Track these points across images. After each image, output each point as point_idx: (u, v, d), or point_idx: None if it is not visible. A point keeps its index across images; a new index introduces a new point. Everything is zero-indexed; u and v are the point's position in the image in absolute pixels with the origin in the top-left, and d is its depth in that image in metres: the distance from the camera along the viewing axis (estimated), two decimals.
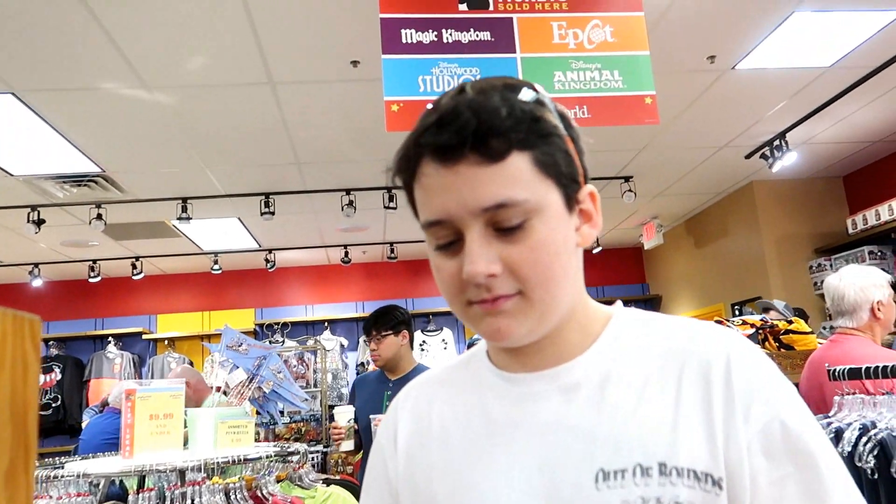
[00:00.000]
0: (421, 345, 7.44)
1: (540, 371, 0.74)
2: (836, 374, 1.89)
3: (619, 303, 0.81)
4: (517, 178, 0.66)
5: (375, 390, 3.01)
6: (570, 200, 0.71)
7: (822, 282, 5.57)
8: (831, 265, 5.50)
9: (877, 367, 1.76)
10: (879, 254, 5.24)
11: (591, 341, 0.75)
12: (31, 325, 0.42)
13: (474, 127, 0.64)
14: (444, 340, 7.50)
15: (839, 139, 4.92)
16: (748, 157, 5.00)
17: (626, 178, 5.34)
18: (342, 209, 5.00)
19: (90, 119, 3.69)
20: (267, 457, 2.59)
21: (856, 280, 2.29)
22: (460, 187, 0.65)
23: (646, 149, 4.78)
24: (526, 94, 0.69)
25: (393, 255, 7.03)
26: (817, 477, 0.65)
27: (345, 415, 2.90)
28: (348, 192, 5.00)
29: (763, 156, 4.74)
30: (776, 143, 4.57)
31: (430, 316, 7.58)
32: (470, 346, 6.29)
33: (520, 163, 0.66)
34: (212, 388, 2.71)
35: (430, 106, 0.70)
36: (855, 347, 2.23)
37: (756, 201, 5.82)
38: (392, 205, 4.98)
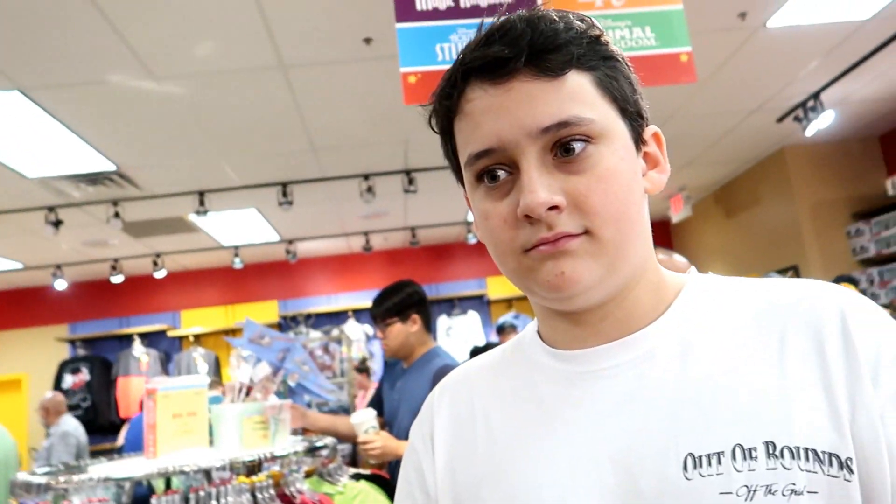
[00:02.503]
0: (447, 330, 7.34)
1: (605, 344, 0.60)
2: None
3: (692, 268, 0.69)
4: (579, 95, 0.55)
5: (396, 380, 2.66)
6: (637, 137, 0.60)
7: (861, 248, 5.35)
8: (870, 229, 5.27)
9: None
10: None
11: (665, 305, 0.61)
12: None
13: (529, 38, 0.54)
14: (469, 325, 7.39)
15: (876, 97, 4.69)
16: (780, 120, 4.78)
17: None
18: (361, 195, 4.89)
19: (100, 114, 3.60)
20: (295, 453, 2.50)
21: None
22: (514, 106, 0.55)
23: (672, 117, 4.59)
24: (581, 18, 0.58)
25: (415, 240, 6.92)
26: None
27: (362, 425, 2.39)
28: (367, 177, 4.89)
29: (796, 118, 4.52)
30: (810, 104, 4.35)
31: (456, 300, 7.48)
32: (499, 329, 6.14)
33: (581, 80, 0.56)
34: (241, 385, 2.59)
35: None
36: None
37: (788, 167, 5.60)
38: (412, 188, 4.86)
